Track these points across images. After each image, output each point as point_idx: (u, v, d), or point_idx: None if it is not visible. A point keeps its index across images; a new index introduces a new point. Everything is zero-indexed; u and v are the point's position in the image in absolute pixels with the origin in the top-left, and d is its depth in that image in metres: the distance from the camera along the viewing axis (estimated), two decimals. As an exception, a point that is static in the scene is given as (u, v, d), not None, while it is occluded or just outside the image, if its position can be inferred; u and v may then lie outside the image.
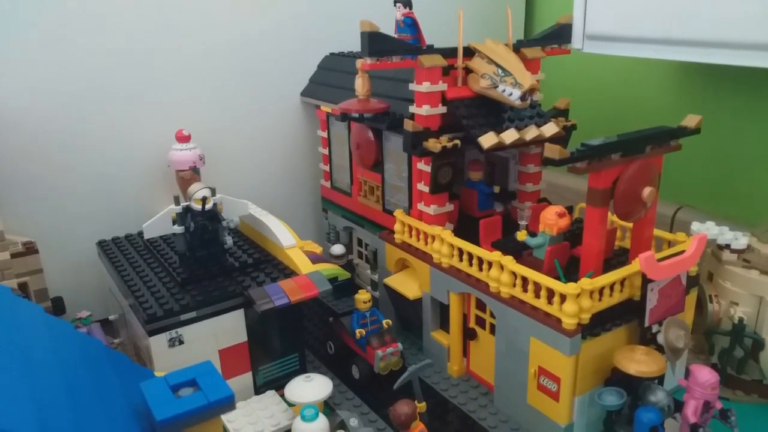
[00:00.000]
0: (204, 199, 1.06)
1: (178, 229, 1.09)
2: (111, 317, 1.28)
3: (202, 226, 1.08)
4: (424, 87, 1.06)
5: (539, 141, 1.07)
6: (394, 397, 0.89)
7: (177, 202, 1.09)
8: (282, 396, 1.01)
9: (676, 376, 1.00)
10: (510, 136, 1.04)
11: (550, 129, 1.08)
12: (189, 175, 1.30)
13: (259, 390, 1.08)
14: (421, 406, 0.91)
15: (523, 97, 1.03)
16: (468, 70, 1.10)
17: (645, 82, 1.55)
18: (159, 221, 1.09)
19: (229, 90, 1.43)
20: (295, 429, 0.76)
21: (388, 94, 1.21)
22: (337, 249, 1.40)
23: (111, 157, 1.32)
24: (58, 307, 1.22)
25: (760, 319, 1.03)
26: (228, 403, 0.62)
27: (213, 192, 1.09)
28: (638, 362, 0.88)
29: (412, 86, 1.08)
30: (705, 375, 0.88)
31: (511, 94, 1.03)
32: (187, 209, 1.08)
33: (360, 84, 1.15)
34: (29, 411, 0.48)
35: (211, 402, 0.61)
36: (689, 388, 0.89)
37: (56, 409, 0.53)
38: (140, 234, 1.26)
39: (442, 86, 1.07)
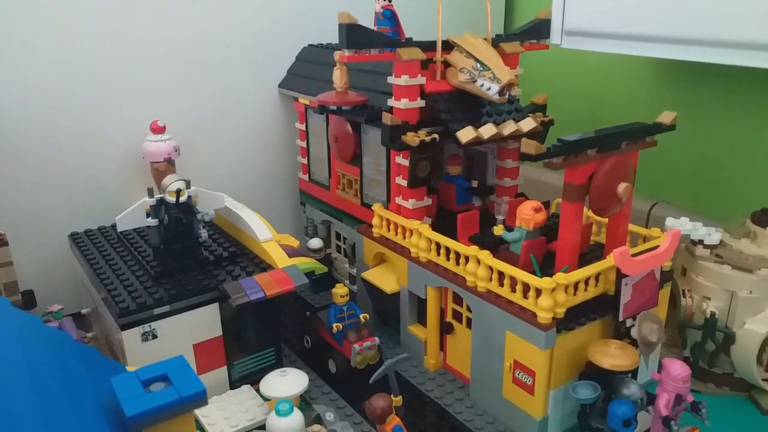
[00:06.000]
0: (178, 192, 1.05)
1: (152, 221, 1.08)
2: (83, 311, 1.26)
3: (177, 218, 1.07)
4: (403, 80, 1.06)
5: (517, 136, 1.07)
6: (371, 391, 0.88)
7: (151, 194, 1.08)
8: (257, 391, 1.00)
9: (649, 370, 1.01)
10: (488, 131, 1.04)
11: (528, 124, 1.08)
12: (164, 167, 1.28)
13: (234, 385, 1.07)
14: (397, 400, 0.91)
15: (501, 92, 1.03)
16: (447, 64, 1.10)
17: (622, 79, 1.56)
18: (132, 213, 1.08)
19: (206, 81, 1.40)
20: (269, 424, 0.76)
21: (367, 87, 1.20)
22: (315, 243, 1.39)
23: (83, 147, 1.29)
24: (28, 300, 1.19)
25: (731, 313, 1.05)
26: (200, 399, 0.61)
27: (188, 184, 1.07)
28: (612, 356, 0.89)
29: (391, 79, 1.08)
30: (677, 368, 0.89)
31: (489, 89, 1.03)
32: (161, 201, 1.07)
33: (338, 76, 1.14)
34: (-8, 407, 0.47)
35: (182, 397, 0.60)
36: (662, 381, 0.91)
37: (22, 405, 0.51)
38: (113, 227, 1.24)
39: (420, 80, 1.07)
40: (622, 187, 0.94)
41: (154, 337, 0.97)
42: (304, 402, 1.04)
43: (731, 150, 1.37)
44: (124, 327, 0.94)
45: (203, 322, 1.02)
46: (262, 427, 0.89)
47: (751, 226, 1.09)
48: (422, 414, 1.02)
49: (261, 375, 1.00)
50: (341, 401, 1.06)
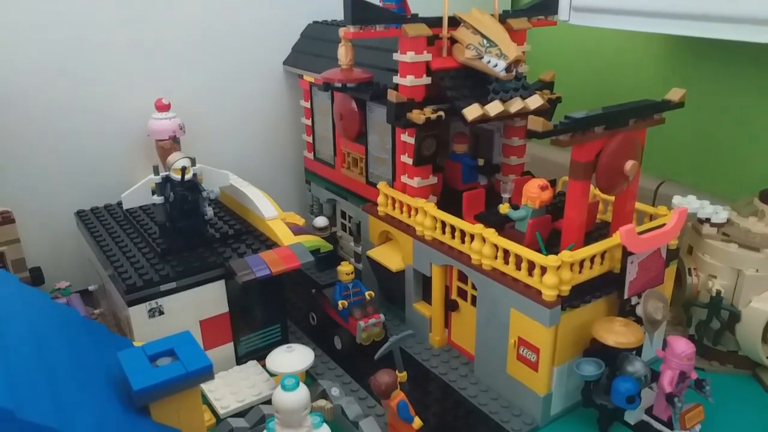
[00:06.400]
0: (183, 169, 1.05)
1: (157, 199, 1.08)
2: (91, 288, 1.27)
3: (182, 196, 1.07)
4: (408, 57, 1.05)
5: (524, 113, 1.06)
6: (376, 367, 0.89)
7: (156, 171, 1.08)
8: (264, 366, 1.01)
9: (653, 347, 1.01)
10: (494, 108, 1.03)
11: (535, 101, 1.07)
12: (169, 145, 1.28)
13: (240, 360, 1.08)
14: (402, 376, 0.91)
15: (508, 69, 1.01)
16: (453, 41, 1.08)
17: (631, 55, 1.54)
18: (138, 191, 1.08)
19: (211, 58, 1.40)
20: (275, 398, 0.76)
21: (372, 64, 1.19)
22: (320, 221, 1.39)
23: (89, 125, 1.29)
24: (36, 277, 1.20)
25: (737, 291, 1.05)
26: (206, 373, 0.62)
27: (193, 162, 1.07)
28: (617, 333, 0.90)
29: (396, 56, 1.07)
30: (681, 346, 0.89)
31: (496, 66, 1.02)
32: (167, 179, 1.07)
33: (343, 53, 1.13)
34: (1, 380, 0.48)
35: (189, 372, 0.61)
36: (666, 358, 0.91)
37: (30, 379, 0.52)
38: (119, 204, 1.24)
39: (426, 56, 1.06)
40: (629, 164, 0.94)
41: (161, 313, 0.98)
42: (309, 377, 1.05)
43: (740, 128, 1.35)
44: (131, 303, 0.95)
45: (209, 299, 1.02)
46: (268, 401, 0.90)
47: (758, 204, 1.08)
48: (427, 390, 1.03)
49: (267, 351, 1.01)
50: (347, 377, 1.07)
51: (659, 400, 0.93)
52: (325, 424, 0.81)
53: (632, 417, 0.94)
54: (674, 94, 0.99)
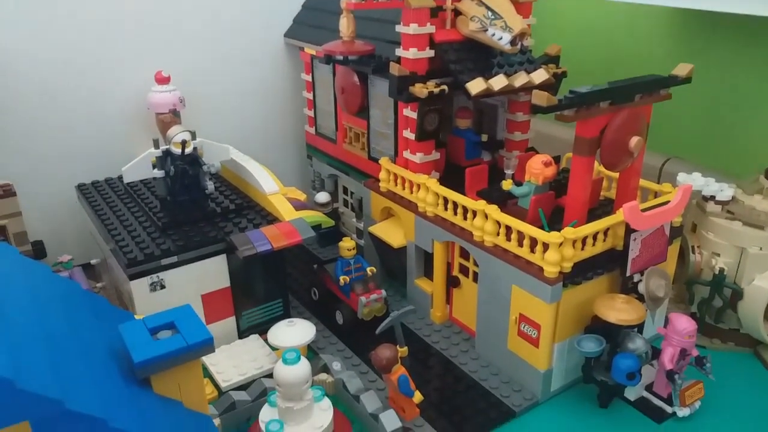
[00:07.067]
0: (183, 143, 1.04)
1: (158, 173, 1.07)
2: (93, 261, 1.27)
3: (183, 170, 1.06)
4: (411, 29, 1.03)
5: (528, 88, 1.05)
6: (377, 342, 0.89)
7: (156, 145, 1.07)
8: (265, 340, 1.01)
9: (655, 325, 1.01)
10: (499, 82, 1.01)
11: (540, 76, 1.05)
12: (169, 118, 1.27)
13: (242, 335, 1.09)
14: (403, 351, 0.92)
15: (513, 42, 1.00)
16: (457, 12, 1.06)
17: (638, 30, 1.51)
18: (138, 165, 1.07)
19: (211, 30, 1.38)
20: (276, 372, 0.77)
21: (375, 36, 1.18)
22: (322, 197, 1.39)
23: (89, 98, 1.28)
24: (38, 251, 1.20)
25: (740, 269, 1.04)
26: (207, 346, 0.62)
27: (193, 135, 1.06)
28: (618, 310, 0.89)
29: (399, 28, 1.05)
30: (683, 323, 0.89)
31: (500, 39, 1.00)
32: (167, 153, 1.06)
33: (344, 24, 1.11)
34: (1, 350, 0.48)
35: (189, 344, 0.60)
36: (667, 336, 0.91)
37: (31, 350, 0.52)
38: (120, 178, 1.23)
39: (429, 28, 1.04)
40: (634, 141, 0.93)
41: (162, 287, 0.98)
42: (311, 352, 1.05)
43: (747, 105, 1.33)
44: (133, 277, 0.95)
45: (211, 273, 1.02)
46: (270, 375, 0.91)
47: (764, 182, 1.07)
48: (427, 365, 1.04)
49: (269, 325, 1.01)
50: (348, 351, 1.07)
51: (659, 376, 0.94)
52: (326, 398, 0.82)
53: (632, 393, 0.95)
54: (681, 70, 0.97)
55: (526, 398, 0.95)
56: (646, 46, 1.51)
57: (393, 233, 1.18)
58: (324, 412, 0.80)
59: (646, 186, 1.07)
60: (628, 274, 0.95)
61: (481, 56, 1.07)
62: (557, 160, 1.11)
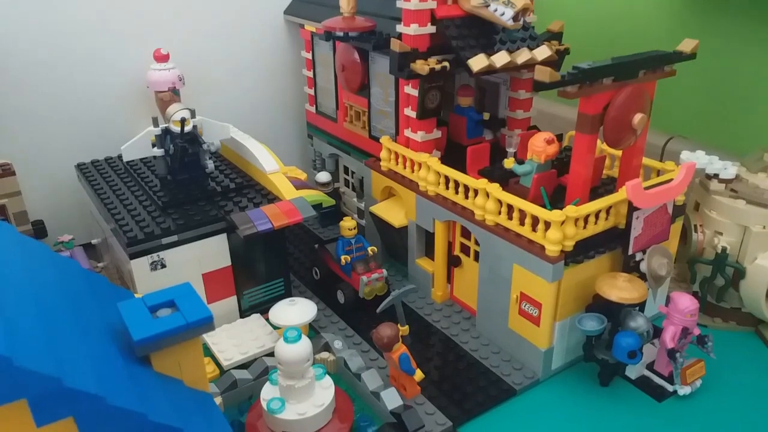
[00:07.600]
0: (183, 121, 1.03)
1: (157, 151, 1.07)
2: (94, 241, 1.27)
3: (182, 148, 1.06)
4: (413, 4, 1.01)
5: (531, 65, 1.03)
6: (378, 321, 0.89)
7: (156, 123, 1.06)
8: (267, 320, 1.01)
9: (656, 304, 1.01)
10: (501, 58, 1.00)
11: (543, 52, 1.04)
12: (168, 97, 1.26)
13: (244, 314, 1.09)
14: (404, 330, 0.92)
15: (515, 18, 0.98)
16: (459, -12, 1.05)
17: (642, 6, 1.49)
18: (138, 143, 1.06)
19: (210, 7, 1.36)
20: (277, 350, 0.77)
21: (375, 13, 1.16)
22: (323, 176, 1.38)
23: (88, 76, 1.27)
24: (39, 230, 1.20)
25: (743, 248, 1.04)
26: (206, 324, 0.61)
27: (192, 113, 1.05)
28: (620, 289, 0.89)
29: (400, 3, 1.03)
30: (685, 302, 0.89)
31: (503, 14, 0.99)
32: (166, 131, 1.05)
33: (345, 1, 1.10)
34: (-1, 329, 0.48)
35: (189, 323, 0.60)
36: (669, 314, 0.91)
37: (29, 328, 0.52)
38: (120, 157, 1.23)
39: (431, 4, 1.02)
40: (637, 118, 0.91)
41: (163, 266, 0.98)
42: (313, 330, 1.05)
43: (752, 83, 1.31)
44: (133, 256, 0.95)
45: (212, 252, 1.02)
46: (271, 354, 0.91)
47: (769, 160, 1.06)
48: (428, 343, 1.04)
49: (270, 305, 1.01)
50: (349, 330, 1.07)
51: (661, 355, 0.94)
52: (327, 376, 0.82)
53: (633, 372, 0.95)
54: (686, 45, 0.96)
55: (527, 377, 0.96)
56: (651, 22, 1.48)
57: (394, 212, 1.17)
58: (325, 390, 0.80)
59: (649, 164, 1.06)
60: (630, 252, 0.95)
61: (483, 32, 1.05)
62: (559, 138, 1.10)
